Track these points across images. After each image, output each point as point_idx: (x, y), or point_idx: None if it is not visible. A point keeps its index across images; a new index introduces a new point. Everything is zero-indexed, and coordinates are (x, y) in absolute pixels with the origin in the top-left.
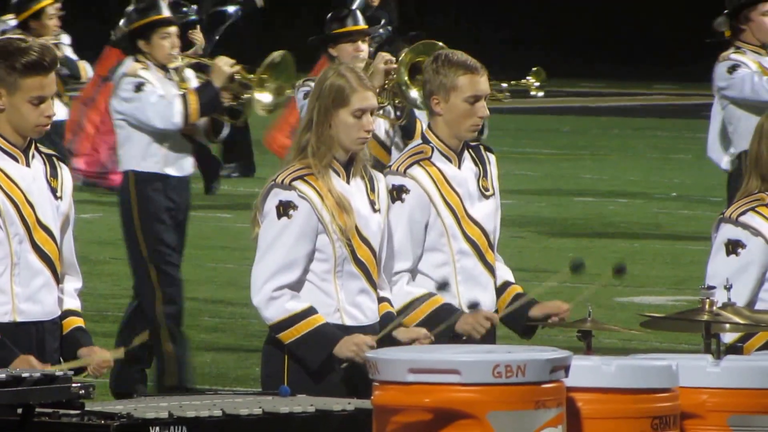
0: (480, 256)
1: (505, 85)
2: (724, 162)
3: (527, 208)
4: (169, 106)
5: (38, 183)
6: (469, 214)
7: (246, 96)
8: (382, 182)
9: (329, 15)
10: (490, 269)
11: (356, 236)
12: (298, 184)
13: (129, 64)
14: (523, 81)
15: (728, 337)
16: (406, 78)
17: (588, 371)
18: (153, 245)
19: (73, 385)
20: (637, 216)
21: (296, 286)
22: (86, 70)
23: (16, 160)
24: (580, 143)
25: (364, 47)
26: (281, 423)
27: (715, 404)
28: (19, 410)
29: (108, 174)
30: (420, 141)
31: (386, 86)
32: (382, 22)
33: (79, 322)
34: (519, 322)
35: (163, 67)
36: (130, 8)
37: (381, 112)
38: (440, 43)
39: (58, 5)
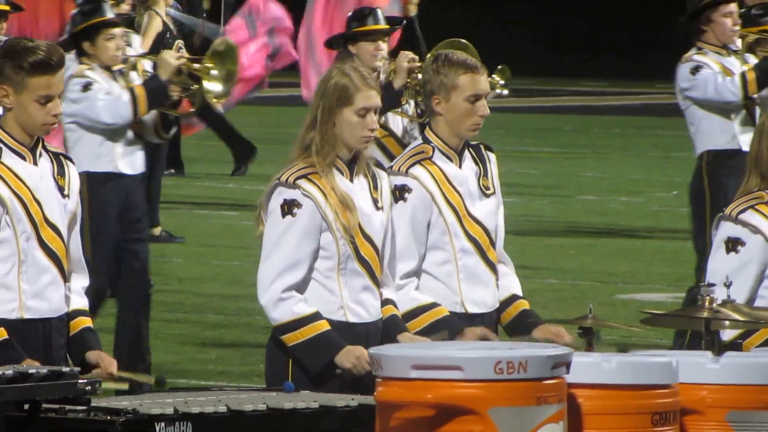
0: (482, 254)
1: None
2: None
3: (529, 206)
4: (117, 101)
5: (45, 181)
6: (470, 212)
7: (195, 87)
8: (385, 180)
9: (350, 13)
10: (492, 267)
11: (359, 234)
12: (302, 182)
13: (75, 66)
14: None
15: (728, 334)
16: None
17: (589, 368)
18: (98, 242)
19: (80, 381)
20: (638, 214)
21: (302, 285)
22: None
23: (24, 158)
24: (582, 142)
25: (384, 46)
26: (285, 419)
27: (714, 400)
28: (26, 406)
29: None
30: (421, 141)
31: (409, 84)
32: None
33: (87, 322)
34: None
35: (108, 69)
36: (75, 11)
37: (399, 109)
38: (464, 41)
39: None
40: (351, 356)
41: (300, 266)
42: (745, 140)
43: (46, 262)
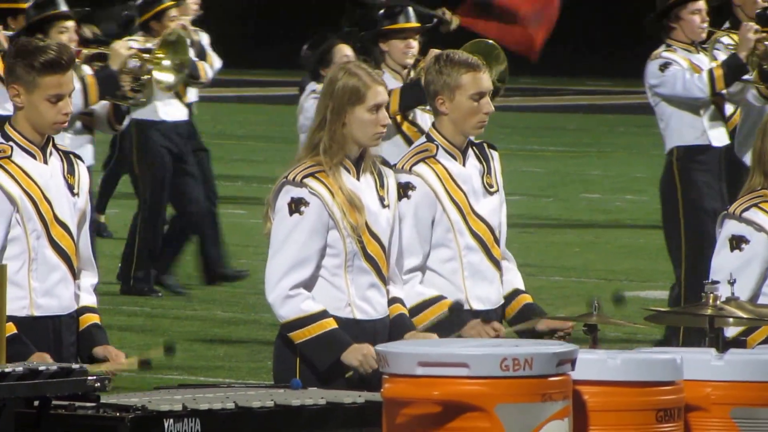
0: (486, 251)
1: None
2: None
3: (534, 204)
4: None
5: (55, 180)
6: (474, 210)
7: (146, 77)
8: (392, 177)
9: (381, 11)
10: (496, 264)
11: (366, 232)
12: (309, 181)
13: None
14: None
15: (731, 331)
16: None
17: (594, 365)
18: None
19: (89, 378)
20: (642, 212)
21: (310, 282)
22: (205, 70)
23: (34, 157)
24: (587, 140)
25: (415, 44)
26: (293, 415)
27: (718, 397)
28: (36, 403)
29: None
30: (425, 140)
31: None
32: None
33: (95, 318)
34: (524, 335)
35: None
36: (29, 4)
37: (426, 106)
38: (491, 41)
39: (191, 7)
40: (358, 354)
41: (307, 264)
42: (714, 135)
43: (56, 260)
